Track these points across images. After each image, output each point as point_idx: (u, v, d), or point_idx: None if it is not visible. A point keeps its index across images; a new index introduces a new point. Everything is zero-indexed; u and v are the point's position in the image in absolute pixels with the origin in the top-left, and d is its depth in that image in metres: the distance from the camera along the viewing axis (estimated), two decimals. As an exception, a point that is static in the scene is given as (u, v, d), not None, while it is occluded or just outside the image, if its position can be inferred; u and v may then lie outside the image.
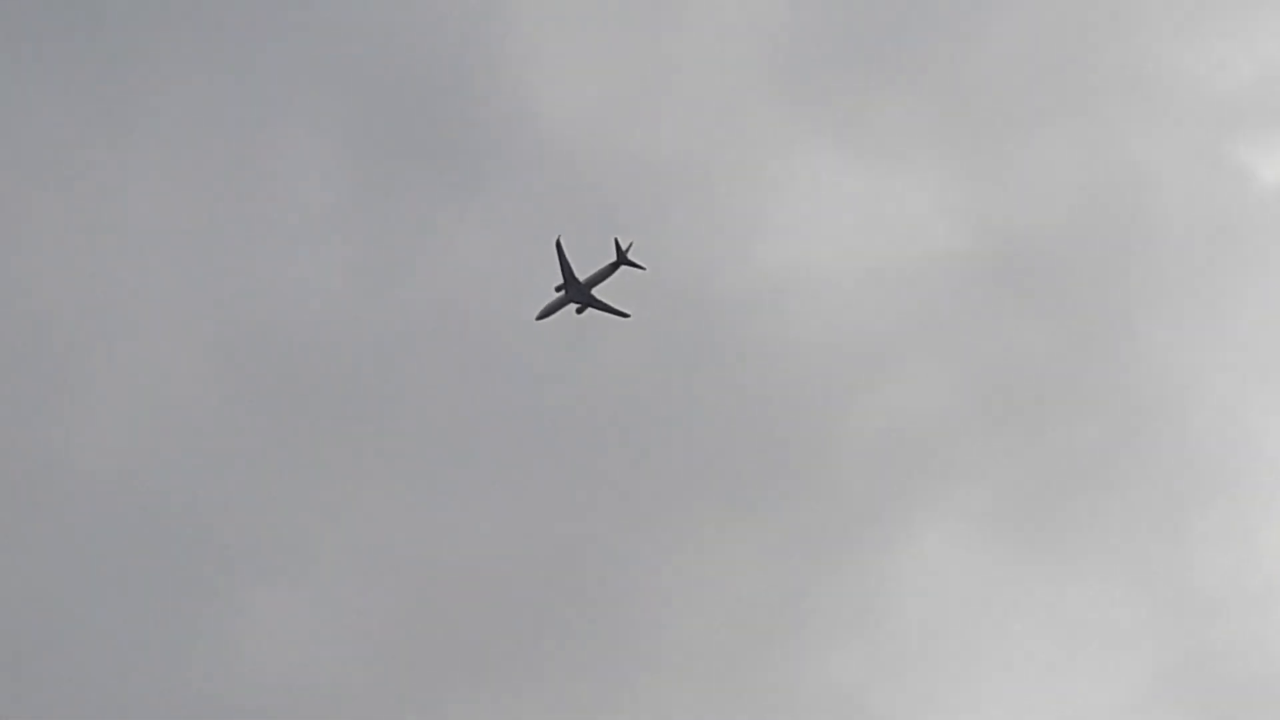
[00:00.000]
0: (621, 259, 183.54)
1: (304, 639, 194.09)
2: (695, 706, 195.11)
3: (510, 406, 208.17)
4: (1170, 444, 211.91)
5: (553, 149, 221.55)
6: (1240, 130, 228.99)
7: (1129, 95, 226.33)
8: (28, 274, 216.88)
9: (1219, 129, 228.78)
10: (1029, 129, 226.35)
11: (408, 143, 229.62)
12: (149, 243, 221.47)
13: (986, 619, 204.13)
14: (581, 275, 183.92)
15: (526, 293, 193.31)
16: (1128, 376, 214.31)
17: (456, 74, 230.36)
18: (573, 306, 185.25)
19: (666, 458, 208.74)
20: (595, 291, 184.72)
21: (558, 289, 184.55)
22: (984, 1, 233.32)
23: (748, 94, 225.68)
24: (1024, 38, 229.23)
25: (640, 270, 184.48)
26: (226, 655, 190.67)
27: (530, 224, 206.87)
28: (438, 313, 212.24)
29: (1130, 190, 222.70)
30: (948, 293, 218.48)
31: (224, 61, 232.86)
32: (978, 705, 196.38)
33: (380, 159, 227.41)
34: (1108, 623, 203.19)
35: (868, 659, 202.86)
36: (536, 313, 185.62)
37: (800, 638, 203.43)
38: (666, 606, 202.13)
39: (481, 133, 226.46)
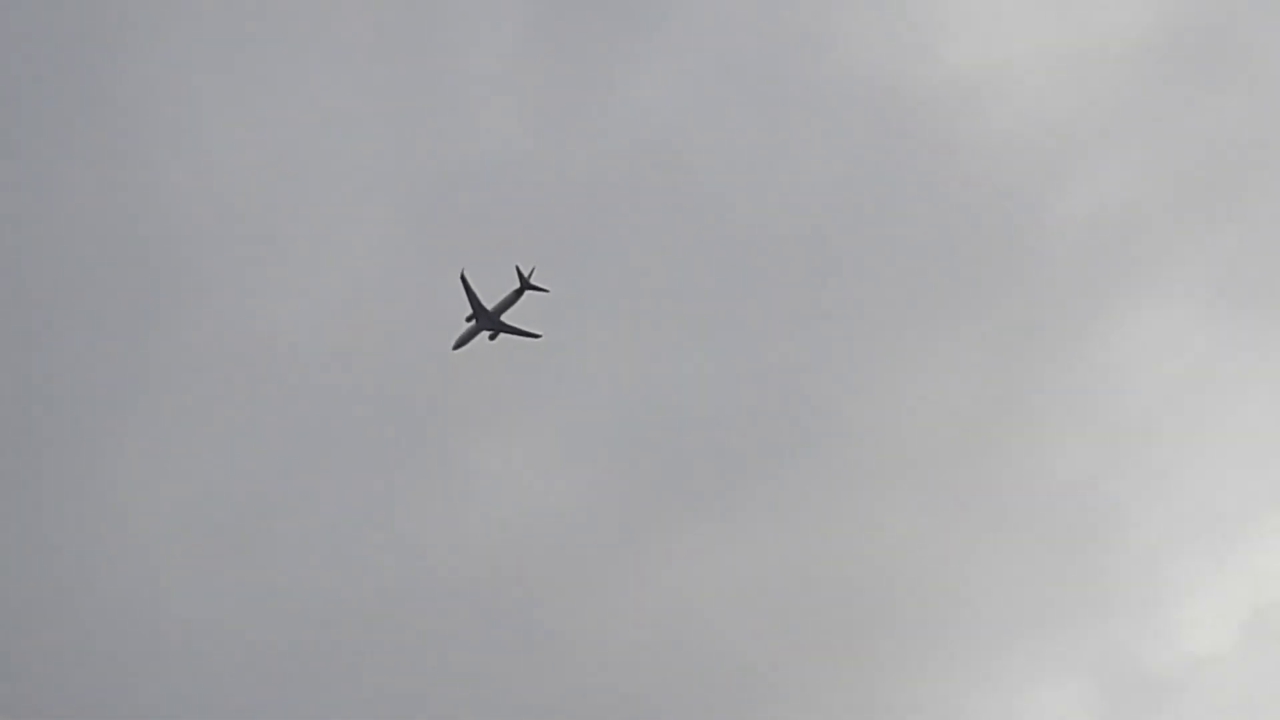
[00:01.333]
0: (525, 284, 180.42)
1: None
2: (924, 509, 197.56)
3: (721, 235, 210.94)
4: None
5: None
6: None
7: None
8: (226, 145, 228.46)
9: None
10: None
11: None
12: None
13: (1211, 398, 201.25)
14: (489, 304, 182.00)
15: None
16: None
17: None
18: (485, 334, 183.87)
19: (877, 266, 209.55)
20: (506, 317, 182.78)
21: (468, 319, 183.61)
22: None
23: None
24: None
25: (544, 292, 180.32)
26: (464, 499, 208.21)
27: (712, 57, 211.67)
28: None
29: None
30: (1142, 78, 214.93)
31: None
32: (1209, 486, 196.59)
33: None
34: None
35: (1093, 450, 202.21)
36: (452, 344, 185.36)
37: (1024, 434, 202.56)
38: (890, 414, 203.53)
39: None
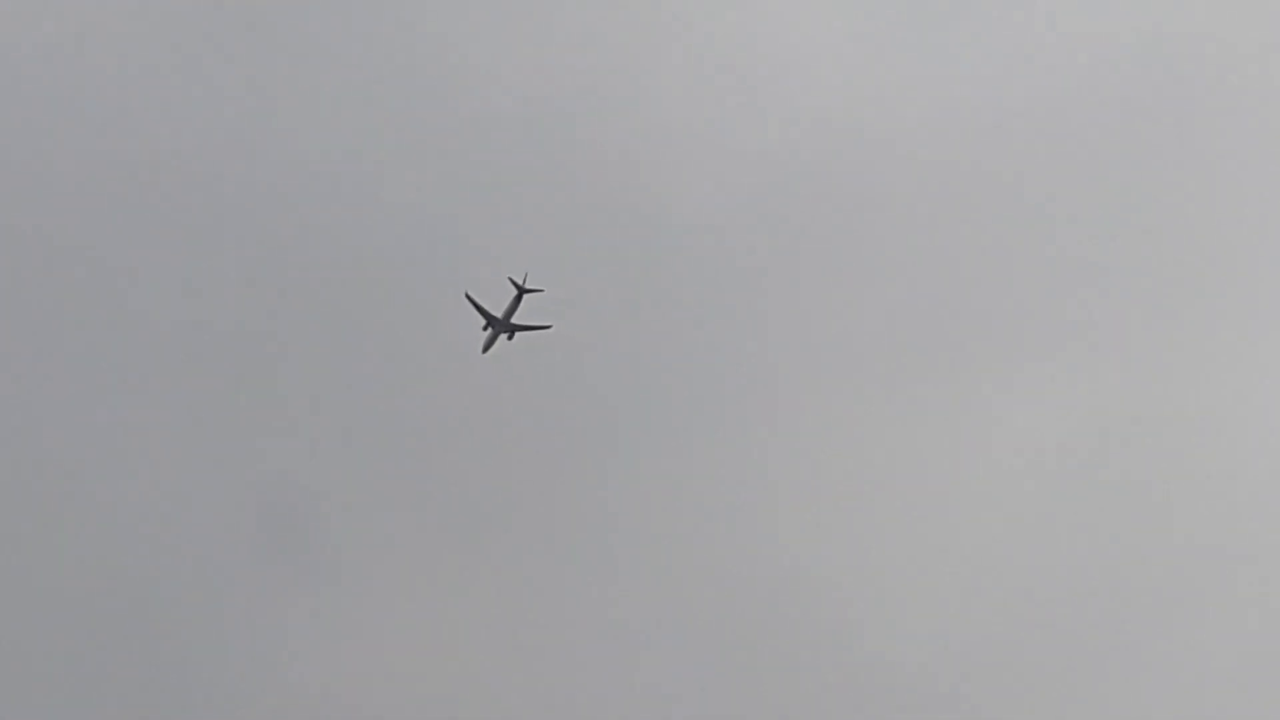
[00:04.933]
0: (521, 290, 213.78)
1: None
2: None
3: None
4: None
5: None
6: None
7: None
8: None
9: None
10: None
11: None
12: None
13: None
14: (498, 313, 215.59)
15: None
16: None
17: None
18: (504, 337, 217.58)
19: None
20: (515, 319, 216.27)
21: (484, 328, 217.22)
22: None
23: None
24: None
25: (540, 292, 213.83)
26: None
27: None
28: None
29: None
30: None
31: None
32: None
33: None
34: None
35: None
36: (480, 349, 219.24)
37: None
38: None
39: None
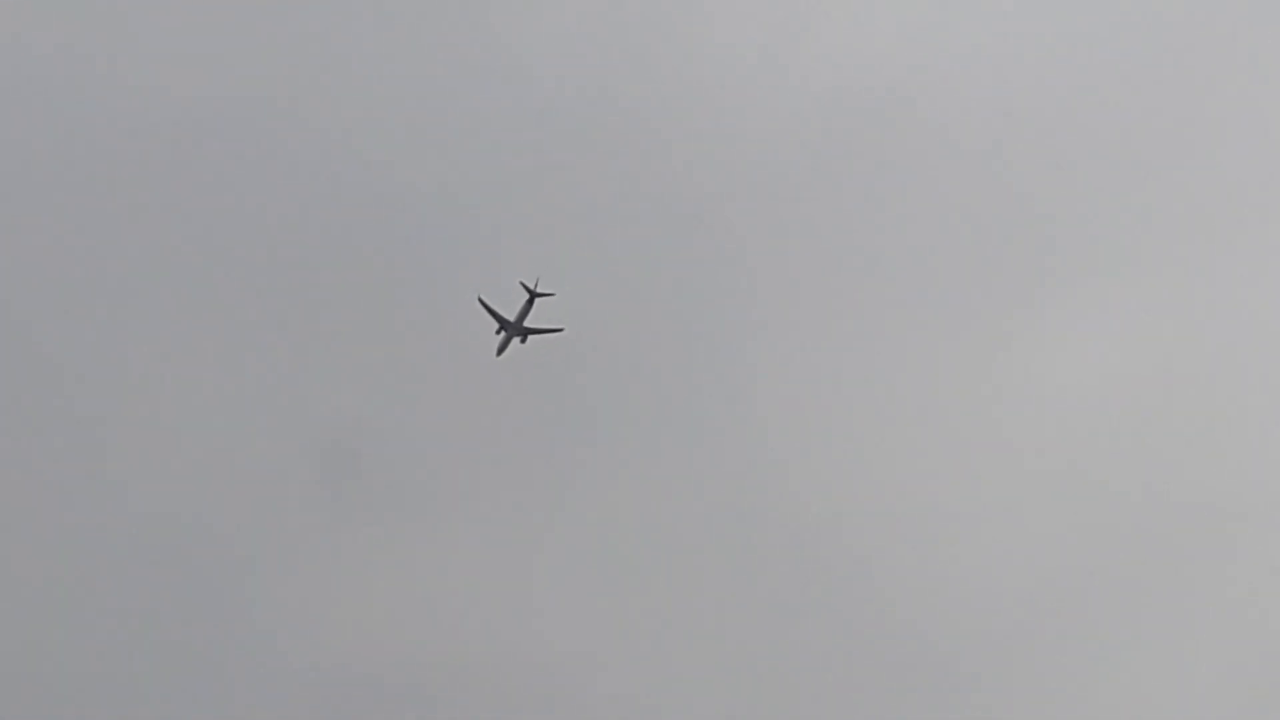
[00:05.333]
0: (532, 294, 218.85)
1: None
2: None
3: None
4: None
5: None
6: None
7: None
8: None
9: None
10: None
11: None
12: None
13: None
14: (510, 316, 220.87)
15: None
16: None
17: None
18: (517, 339, 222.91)
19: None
20: (526, 322, 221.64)
21: (498, 332, 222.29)
22: None
23: None
24: None
25: (551, 296, 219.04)
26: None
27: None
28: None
29: None
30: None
31: None
32: None
33: None
34: None
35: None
36: (494, 352, 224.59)
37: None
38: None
39: None
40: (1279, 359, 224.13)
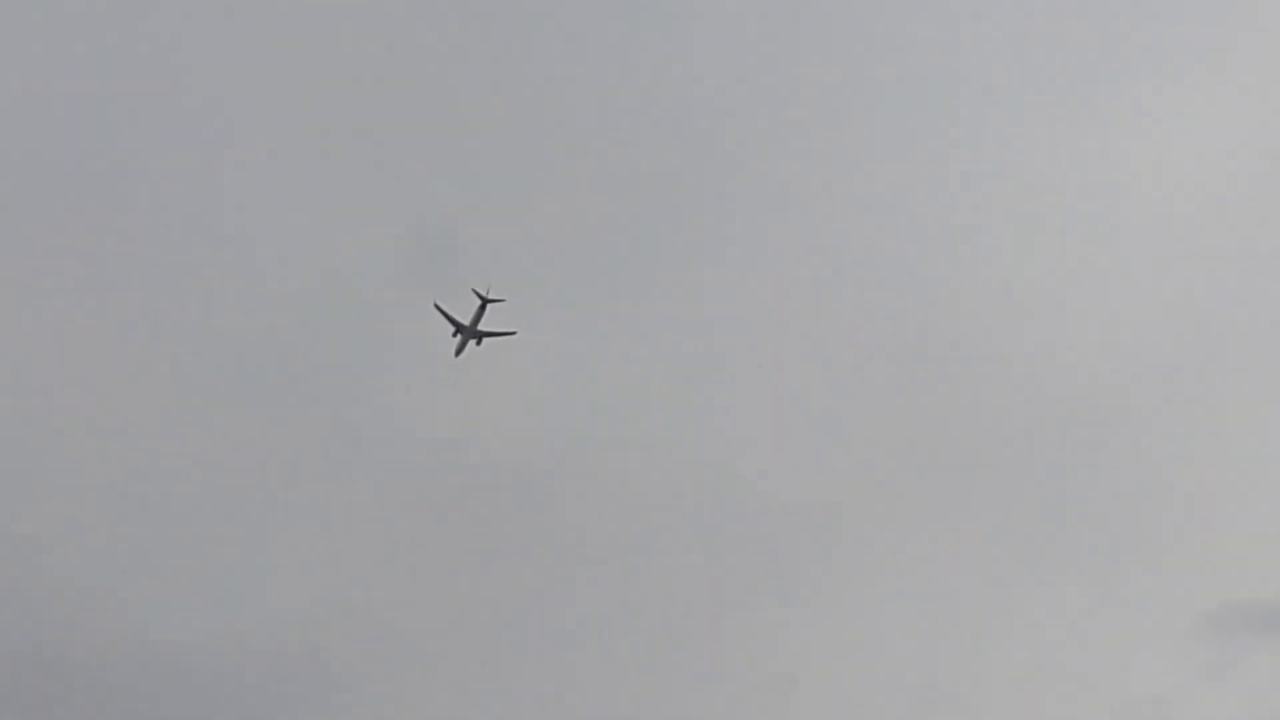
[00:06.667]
0: (484, 300, 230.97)
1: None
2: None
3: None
4: None
5: None
6: None
7: None
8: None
9: None
10: None
11: None
12: None
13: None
14: (465, 320, 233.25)
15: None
16: None
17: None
18: (473, 341, 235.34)
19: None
20: (481, 326, 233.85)
21: (454, 334, 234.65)
22: None
23: None
24: None
25: (501, 302, 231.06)
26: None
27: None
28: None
29: None
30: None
31: None
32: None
33: None
34: None
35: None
36: (453, 353, 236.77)
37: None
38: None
39: None
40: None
